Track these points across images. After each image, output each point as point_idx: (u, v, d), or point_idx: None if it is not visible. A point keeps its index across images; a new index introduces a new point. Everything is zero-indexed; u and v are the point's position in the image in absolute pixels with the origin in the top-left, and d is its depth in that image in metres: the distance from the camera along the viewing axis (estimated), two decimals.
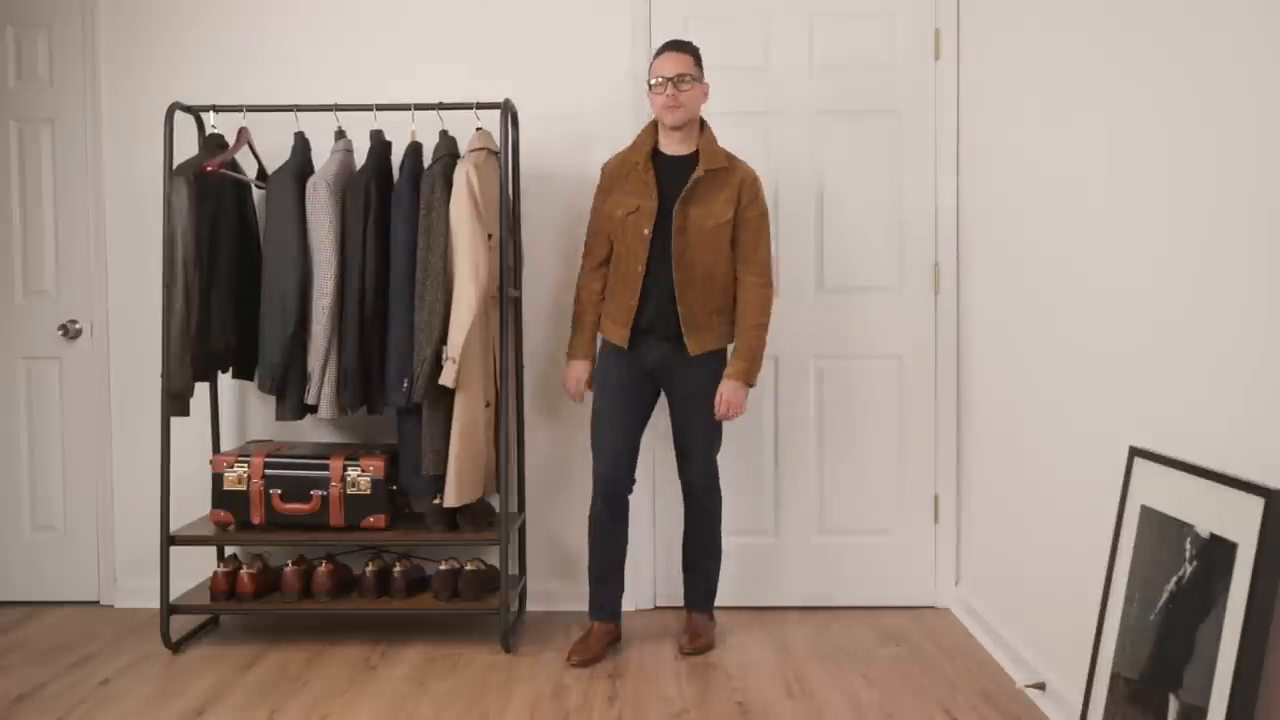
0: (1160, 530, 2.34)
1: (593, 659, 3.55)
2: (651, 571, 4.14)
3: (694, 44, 3.56)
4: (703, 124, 3.58)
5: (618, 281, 3.56)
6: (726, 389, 3.51)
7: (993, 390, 3.70)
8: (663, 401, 3.71)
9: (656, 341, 3.55)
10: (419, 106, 3.74)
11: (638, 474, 3.84)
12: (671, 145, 3.55)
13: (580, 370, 3.66)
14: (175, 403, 3.66)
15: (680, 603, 3.95)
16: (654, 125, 3.58)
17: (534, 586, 4.14)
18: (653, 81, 3.49)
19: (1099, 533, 2.75)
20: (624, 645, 3.74)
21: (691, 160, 3.54)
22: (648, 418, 3.65)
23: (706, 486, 3.65)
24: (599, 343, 3.67)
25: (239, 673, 3.50)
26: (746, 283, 3.55)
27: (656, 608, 4.14)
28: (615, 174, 3.60)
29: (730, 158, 3.57)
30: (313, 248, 3.67)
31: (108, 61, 4.14)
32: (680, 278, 3.48)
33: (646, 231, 3.48)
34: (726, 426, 3.93)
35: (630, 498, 3.66)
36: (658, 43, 3.91)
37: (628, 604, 4.09)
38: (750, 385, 3.56)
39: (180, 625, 3.86)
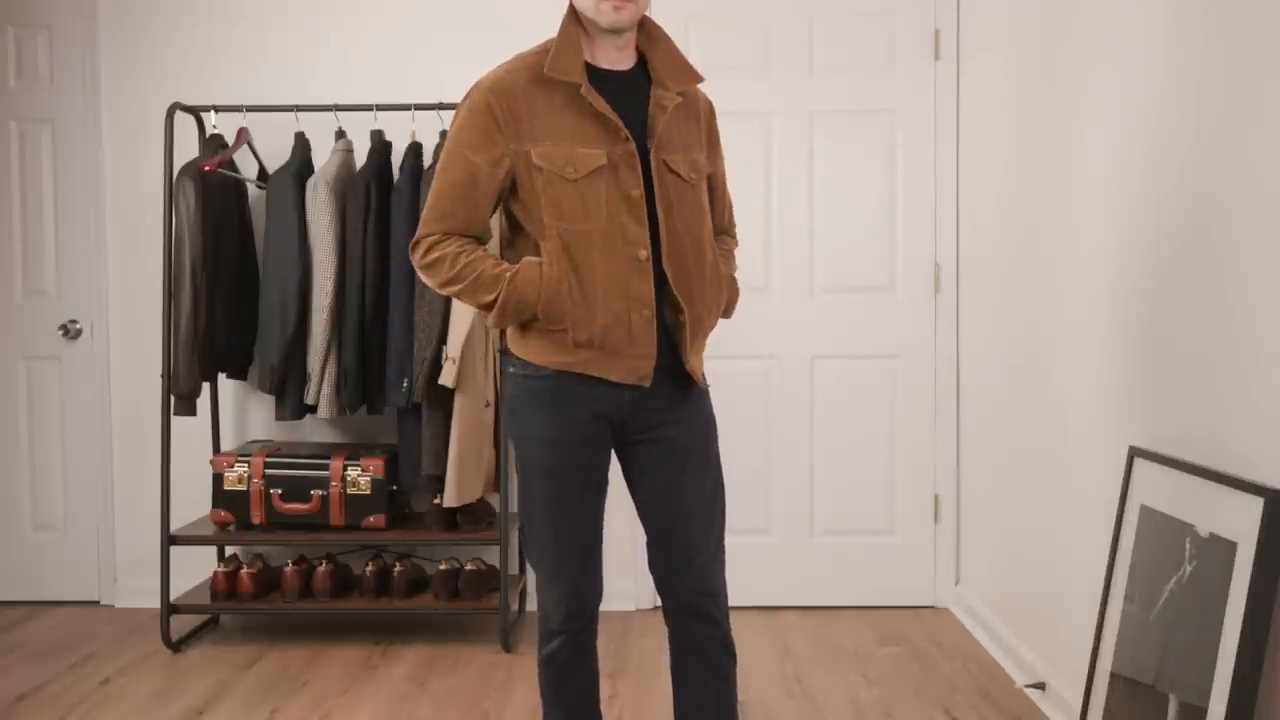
0: (1160, 530, 2.34)
1: None
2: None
3: None
4: (642, 20, 2.26)
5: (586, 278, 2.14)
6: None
7: (992, 390, 3.70)
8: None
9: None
10: (419, 106, 3.74)
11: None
12: (609, 57, 2.23)
13: None
14: (183, 403, 3.67)
15: None
16: (574, 25, 2.23)
17: (534, 586, 4.13)
18: None
19: (1099, 533, 2.75)
20: (624, 645, 3.73)
21: (637, 78, 2.24)
22: None
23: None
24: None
25: (239, 673, 3.50)
26: (724, 251, 2.39)
27: (656, 607, 4.13)
28: (520, 99, 2.16)
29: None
30: (313, 248, 3.67)
31: (108, 61, 4.14)
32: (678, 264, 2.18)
33: (637, 193, 2.14)
34: (724, 430, 2.58)
35: None
36: None
37: (628, 604, 4.09)
38: None
39: (180, 625, 3.86)
